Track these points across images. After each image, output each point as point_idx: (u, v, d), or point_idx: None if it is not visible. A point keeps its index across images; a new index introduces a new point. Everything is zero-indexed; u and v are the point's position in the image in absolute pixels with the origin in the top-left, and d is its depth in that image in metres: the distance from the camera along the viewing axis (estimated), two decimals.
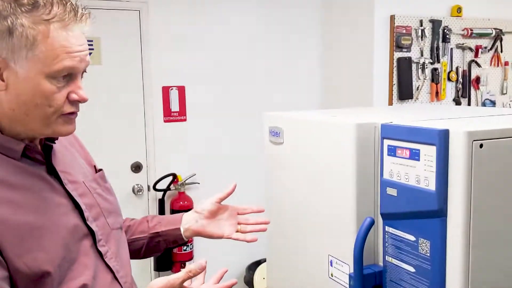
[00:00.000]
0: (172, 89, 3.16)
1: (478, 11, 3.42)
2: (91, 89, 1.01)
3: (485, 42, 3.47)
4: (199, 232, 1.29)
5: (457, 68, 3.41)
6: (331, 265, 1.40)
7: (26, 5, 0.84)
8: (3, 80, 0.87)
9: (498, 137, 1.08)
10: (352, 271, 1.26)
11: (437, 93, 3.33)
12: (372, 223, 1.23)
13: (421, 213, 1.12)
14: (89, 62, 0.93)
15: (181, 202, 3.14)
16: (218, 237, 1.30)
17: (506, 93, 3.61)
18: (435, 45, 3.28)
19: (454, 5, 3.33)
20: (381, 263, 1.28)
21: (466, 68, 3.44)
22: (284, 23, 3.42)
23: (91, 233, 1.00)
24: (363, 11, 3.20)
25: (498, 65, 3.54)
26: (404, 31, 3.17)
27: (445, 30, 3.29)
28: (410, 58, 3.21)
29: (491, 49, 3.49)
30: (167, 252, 2.92)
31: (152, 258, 3.12)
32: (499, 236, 1.11)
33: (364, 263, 1.23)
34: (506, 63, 3.57)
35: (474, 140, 1.04)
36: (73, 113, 0.94)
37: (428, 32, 3.25)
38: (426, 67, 3.27)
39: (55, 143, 1.00)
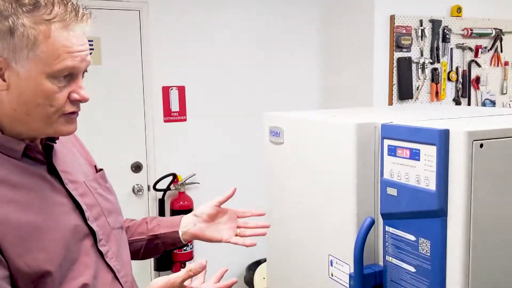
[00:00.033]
0: (172, 89, 3.16)
1: (478, 11, 3.42)
2: (91, 89, 1.01)
3: (485, 42, 3.47)
4: (198, 235, 1.28)
5: (457, 68, 3.41)
6: (331, 265, 1.40)
7: (27, 5, 0.84)
8: (4, 80, 0.87)
9: (498, 137, 1.08)
10: (352, 271, 1.26)
11: (437, 93, 3.33)
12: (372, 223, 1.23)
13: (421, 213, 1.12)
14: (90, 62, 0.93)
15: (181, 202, 3.14)
16: (217, 241, 1.28)
17: (506, 93, 3.61)
18: (435, 45, 3.28)
19: (454, 5, 3.33)
20: (381, 263, 1.28)
21: (466, 68, 3.44)
22: (284, 23, 3.42)
23: (92, 233, 1.00)
24: (363, 11, 3.19)
25: (498, 65, 3.54)
26: (404, 31, 3.17)
27: (445, 30, 3.29)
28: (410, 58, 3.21)
29: (491, 49, 3.49)
30: (167, 252, 2.92)
31: (152, 258, 3.12)
32: (499, 236, 1.11)
33: (364, 263, 1.23)
34: (506, 63, 3.57)
35: (474, 140, 1.04)
36: (74, 113, 0.94)
37: (428, 32, 3.25)
38: (426, 67, 3.27)
39: (55, 143, 1.00)
